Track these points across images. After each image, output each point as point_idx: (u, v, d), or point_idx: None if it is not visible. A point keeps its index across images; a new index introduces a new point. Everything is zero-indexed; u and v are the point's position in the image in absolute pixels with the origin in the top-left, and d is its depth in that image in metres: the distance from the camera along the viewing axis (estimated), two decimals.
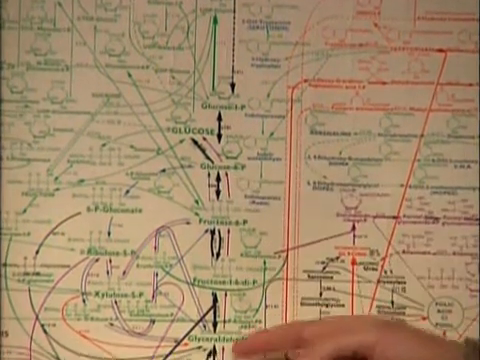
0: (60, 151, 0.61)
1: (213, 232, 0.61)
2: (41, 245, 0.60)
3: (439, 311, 0.60)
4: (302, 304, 0.61)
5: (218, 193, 0.61)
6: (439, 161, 0.61)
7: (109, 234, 0.61)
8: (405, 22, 0.61)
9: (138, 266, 0.61)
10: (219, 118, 0.61)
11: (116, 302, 0.60)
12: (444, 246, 0.61)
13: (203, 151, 0.61)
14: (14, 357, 0.60)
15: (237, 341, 0.59)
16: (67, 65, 0.61)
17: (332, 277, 0.61)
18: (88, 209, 0.61)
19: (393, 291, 0.61)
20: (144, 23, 0.61)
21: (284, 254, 0.61)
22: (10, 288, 0.60)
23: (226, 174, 0.61)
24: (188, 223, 0.61)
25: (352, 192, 0.61)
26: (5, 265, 0.60)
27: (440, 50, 0.61)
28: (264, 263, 0.61)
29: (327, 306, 0.61)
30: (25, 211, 0.60)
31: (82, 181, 0.61)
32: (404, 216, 0.61)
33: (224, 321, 0.61)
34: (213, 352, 0.60)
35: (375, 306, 0.60)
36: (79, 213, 0.61)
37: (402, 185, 0.61)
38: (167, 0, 0.61)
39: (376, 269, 0.61)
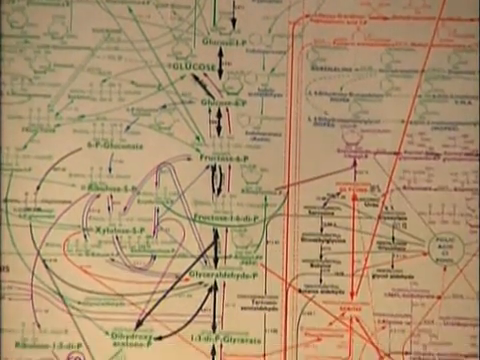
0: (61, 87, 0.60)
1: (214, 168, 0.61)
2: (42, 181, 0.60)
3: (440, 247, 0.60)
4: (303, 240, 0.61)
5: (219, 129, 0.61)
6: (440, 97, 0.61)
7: (110, 170, 0.61)
8: None
9: (139, 202, 0.61)
10: (220, 54, 0.61)
11: (117, 238, 0.60)
12: (445, 182, 0.61)
13: (204, 87, 0.61)
14: (15, 292, 0.60)
15: None
16: (67, 0, 0.60)
17: (333, 213, 0.61)
18: (89, 145, 0.61)
19: (394, 227, 0.61)
20: None
21: (285, 190, 0.61)
22: (11, 223, 0.60)
23: (227, 110, 0.61)
24: (189, 159, 0.61)
25: (353, 128, 0.61)
26: (6, 200, 0.60)
27: None
28: (265, 199, 0.61)
29: (328, 242, 0.61)
30: (26, 147, 0.60)
31: (83, 117, 0.61)
32: (405, 152, 0.61)
33: (225, 257, 0.61)
34: (214, 287, 0.60)
35: (376, 242, 0.61)
36: (80, 149, 0.61)
37: (403, 121, 0.61)
38: None
39: (377, 205, 0.61)
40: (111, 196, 0.60)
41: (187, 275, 0.60)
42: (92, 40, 0.61)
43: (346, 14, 0.61)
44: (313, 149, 0.61)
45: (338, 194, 0.61)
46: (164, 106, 0.61)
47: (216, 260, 0.61)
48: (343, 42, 0.61)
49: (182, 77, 0.61)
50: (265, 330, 0.60)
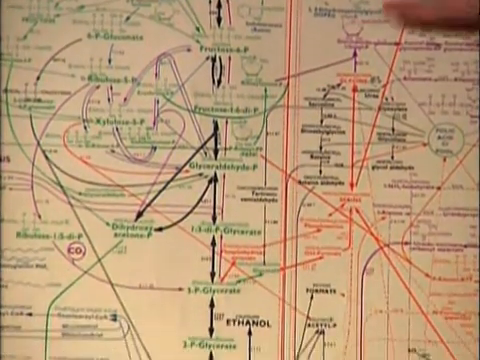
0: None
1: (214, 59, 0.61)
2: (42, 71, 0.60)
3: (439, 137, 0.60)
4: (303, 131, 0.60)
5: (219, 20, 0.61)
6: None
7: (110, 61, 0.60)
8: None
9: (139, 93, 0.60)
10: None
11: (117, 129, 0.60)
12: (445, 72, 0.60)
13: None
14: (15, 182, 0.60)
15: None
16: None
17: (333, 104, 0.61)
18: (89, 36, 0.60)
19: (394, 118, 0.60)
20: None
21: (285, 81, 0.61)
22: (11, 114, 0.60)
23: (227, 0, 0.61)
24: (189, 50, 0.61)
25: (354, 18, 0.61)
26: (6, 91, 0.60)
27: None
28: (265, 90, 0.61)
29: (328, 133, 0.61)
30: (25, 37, 0.60)
31: (82, 7, 0.60)
32: (405, 42, 0.60)
33: (225, 148, 0.61)
34: (214, 179, 0.60)
35: (376, 133, 0.60)
36: (80, 40, 0.60)
37: None
38: None
39: (377, 96, 0.61)
40: (111, 87, 0.60)
41: (187, 166, 0.60)
42: None
43: None
44: (313, 40, 0.61)
45: (338, 85, 0.61)
46: None
47: (216, 151, 0.61)
48: None
49: None
50: (265, 221, 0.60)
